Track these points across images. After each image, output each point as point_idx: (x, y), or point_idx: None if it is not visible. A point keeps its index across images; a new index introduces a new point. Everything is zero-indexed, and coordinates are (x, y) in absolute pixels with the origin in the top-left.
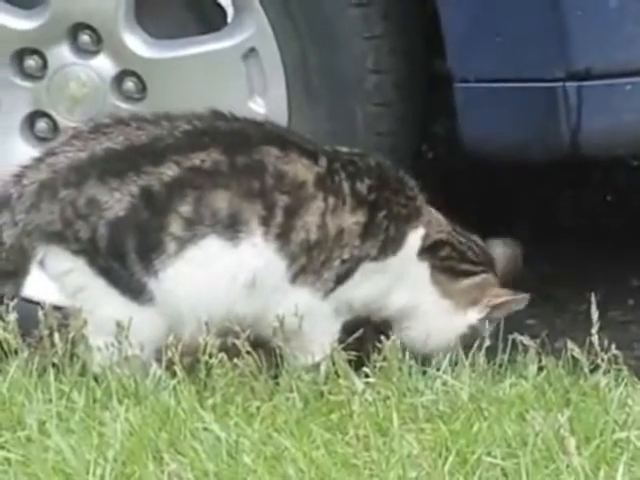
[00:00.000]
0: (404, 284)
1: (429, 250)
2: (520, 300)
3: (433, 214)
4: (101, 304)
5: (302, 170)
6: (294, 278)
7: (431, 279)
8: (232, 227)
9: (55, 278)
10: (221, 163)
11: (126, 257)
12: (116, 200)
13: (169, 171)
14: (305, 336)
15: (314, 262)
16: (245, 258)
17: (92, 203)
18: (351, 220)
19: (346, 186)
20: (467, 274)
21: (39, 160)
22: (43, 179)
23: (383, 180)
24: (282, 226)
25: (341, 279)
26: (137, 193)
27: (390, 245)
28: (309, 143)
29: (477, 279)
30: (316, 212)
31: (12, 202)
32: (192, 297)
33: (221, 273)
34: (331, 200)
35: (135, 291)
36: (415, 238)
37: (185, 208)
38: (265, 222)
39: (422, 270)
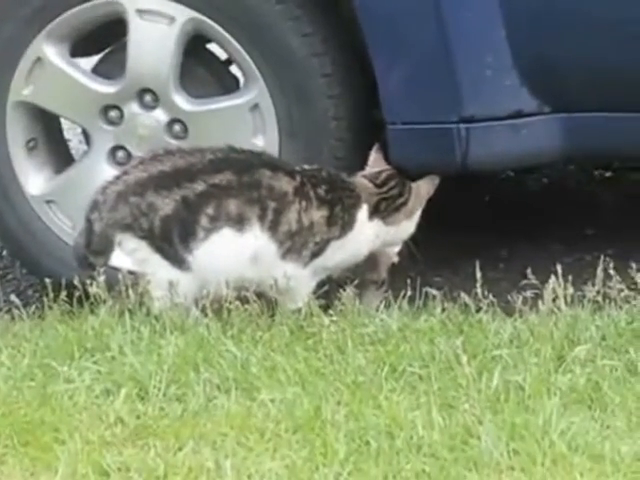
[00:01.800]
0: (366, 243)
1: (374, 211)
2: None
3: (365, 187)
4: (158, 270)
5: (285, 184)
6: (283, 256)
7: (385, 224)
8: (240, 222)
9: (128, 253)
10: (233, 181)
11: (172, 240)
12: (166, 204)
13: (199, 186)
14: (291, 291)
15: (296, 245)
16: (248, 242)
17: (150, 206)
18: (318, 215)
19: (312, 192)
20: (403, 204)
21: (117, 177)
22: (120, 190)
23: (334, 184)
24: (272, 222)
25: (315, 254)
26: (179, 200)
27: (347, 227)
28: (289, 166)
29: (409, 201)
30: (295, 212)
31: (99, 205)
32: (215, 266)
33: (233, 252)
34: (304, 203)
35: (179, 262)
36: (362, 214)
37: (210, 210)
38: (261, 219)
39: (377, 225)
